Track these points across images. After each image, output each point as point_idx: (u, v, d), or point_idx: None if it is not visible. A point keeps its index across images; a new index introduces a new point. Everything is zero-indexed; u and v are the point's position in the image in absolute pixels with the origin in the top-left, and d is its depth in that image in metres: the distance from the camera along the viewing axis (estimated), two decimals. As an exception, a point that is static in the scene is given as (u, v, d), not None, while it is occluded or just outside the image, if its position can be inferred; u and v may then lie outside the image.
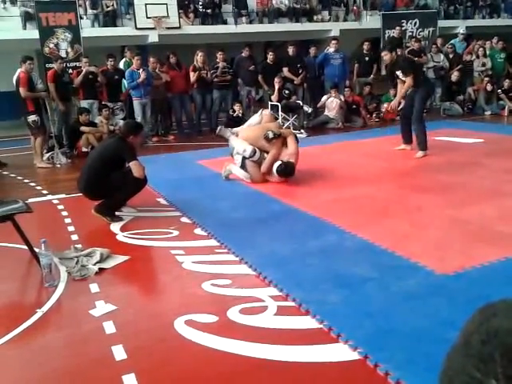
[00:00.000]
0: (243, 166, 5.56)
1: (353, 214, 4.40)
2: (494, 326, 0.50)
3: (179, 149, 8.38)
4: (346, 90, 10.03)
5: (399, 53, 7.09)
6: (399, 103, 6.96)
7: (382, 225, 4.09)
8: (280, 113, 9.38)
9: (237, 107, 9.32)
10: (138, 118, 8.79)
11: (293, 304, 2.85)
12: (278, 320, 2.69)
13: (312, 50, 10.46)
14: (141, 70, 8.69)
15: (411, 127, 6.73)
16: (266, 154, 5.50)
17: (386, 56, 6.70)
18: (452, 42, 12.32)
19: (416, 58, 10.82)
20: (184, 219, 4.55)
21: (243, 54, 10.02)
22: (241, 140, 5.57)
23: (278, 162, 5.43)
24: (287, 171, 5.41)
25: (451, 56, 11.39)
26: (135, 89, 8.73)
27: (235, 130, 6.00)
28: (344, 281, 3.10)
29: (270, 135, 5.43)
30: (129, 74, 8.77)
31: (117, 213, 4.68)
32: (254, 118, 6.07)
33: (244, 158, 5.52)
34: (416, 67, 7.18)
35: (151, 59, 9.21)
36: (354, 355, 2.33)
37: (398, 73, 6.70)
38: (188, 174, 6.37)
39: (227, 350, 2.44)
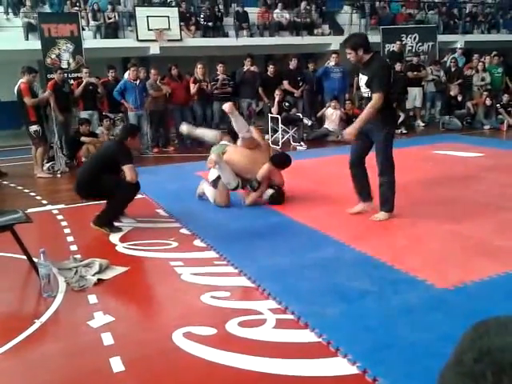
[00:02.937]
0: (215, 185, 5.30)
1: (352, 227, 4.41)
2: (486, 344, 0.50)
3: (179, 160, 8.39)
4: (348, 102, 10.07)
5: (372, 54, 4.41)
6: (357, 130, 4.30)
7: (381, 238, 4.10)
8: (280, 125, 9.42)
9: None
10: None
11: (292, 317, 2.84)
12: (277, 333, 2.69)
13: (311, 66, 10.52)
14: (137, 81, 8.72)
15: (367, 176, 4.69)
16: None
17: (349, 54, 4.41)
18: (452, 56, 12.43)
19: (410, 73, 10.91)
20: (183, 230, 4.55)
21: (245, 67, 10.03)
22: (230, 170, 5.18)
23: (270, 191, 5.28)
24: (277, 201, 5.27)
25: (453, 69, 11.48)
26: (129, 98, 8.69)
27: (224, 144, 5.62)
28: (343, 294, 3.10)
29: (254, 184, 5.21)
30: (123, 83, 8.77)
31: (116, 223, 4.68)
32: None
33: (218, 178, 5.26)
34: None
35: (152, 71, 9.26)
36: (353, 369, 2.32)
37: (362, 81, 4.41)
38: (188, 185, 6.35)
39: (226, 363, 2.43)
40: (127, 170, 4.57)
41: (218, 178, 5.24)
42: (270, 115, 9.71)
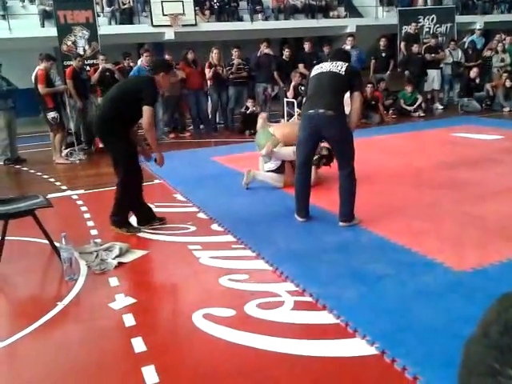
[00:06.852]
0: (279, 170, 5.39)
1: (369, 210, 4.39)
2: None
3: (195, 145, 8.42)
4: (369, 85, 9.90)
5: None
6: None
7: (399, 221, 4.08)
8: (296, 109, 9.37)
9: (250, 103, 9.27)
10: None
11: (309, 299, 2.87)
12: (295, 315, 2.72)
13: (326, 49, 10.39)
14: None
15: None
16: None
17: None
18: (471, 38, 12.18)
19: (433, 54, 10.77)
20: (201, 215, 4.59)
21: (261, 51, 9.96)
22: (283, 147, 5.33)
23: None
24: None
25: (471, 52, 11.28)
26: None
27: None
28: (361, 277, 3.11)
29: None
30: (136, 69, 8.74)
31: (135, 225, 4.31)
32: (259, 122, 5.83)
33: (283, 162, 5.37)
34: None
35: (167, 57, 9.24)
36: (371, 350, 2.34)
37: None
38: (204, 170, 6.40)
39: (245, 343, 2.46)
40: (145, 111, 3.98)
41: (281, 163, 5.33)
42: (285, 99, 9.66)
